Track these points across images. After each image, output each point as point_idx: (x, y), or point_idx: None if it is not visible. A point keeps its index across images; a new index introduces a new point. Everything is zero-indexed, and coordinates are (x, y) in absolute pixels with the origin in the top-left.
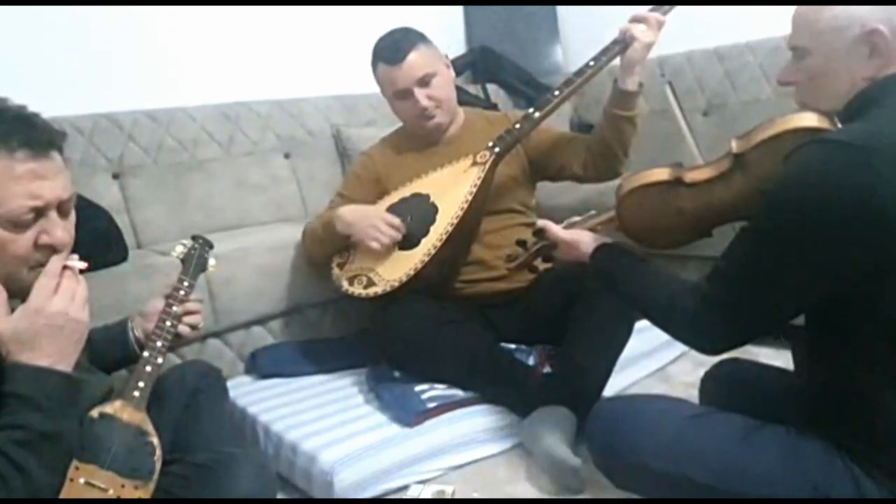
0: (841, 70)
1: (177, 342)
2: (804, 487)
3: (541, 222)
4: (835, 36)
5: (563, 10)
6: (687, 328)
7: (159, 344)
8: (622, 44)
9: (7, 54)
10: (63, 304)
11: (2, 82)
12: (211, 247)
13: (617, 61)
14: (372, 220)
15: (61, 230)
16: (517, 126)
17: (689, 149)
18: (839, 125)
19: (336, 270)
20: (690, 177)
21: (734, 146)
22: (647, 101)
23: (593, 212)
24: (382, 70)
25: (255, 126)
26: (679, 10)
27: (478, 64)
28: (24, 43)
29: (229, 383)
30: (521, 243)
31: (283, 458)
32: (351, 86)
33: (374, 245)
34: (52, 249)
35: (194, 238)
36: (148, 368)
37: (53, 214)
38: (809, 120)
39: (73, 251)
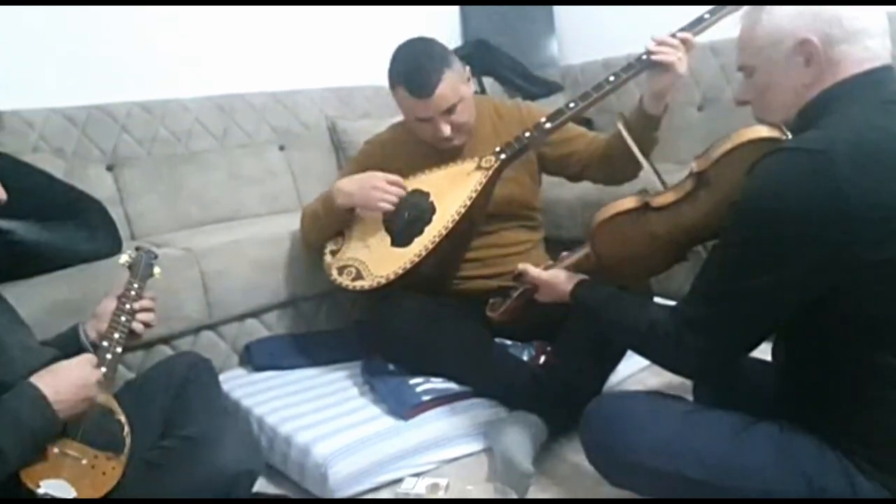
0: (783, 81)
1: (132, 338)
2: (798, 482)
3: (520, 266)
4: (772, 50)
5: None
6: (669, 353)
7: (116, 335)
8: (647, 64)
9: (1, 47)
10: (95, 386)
11: None
12: (155, 256)
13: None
14: (373, 182)
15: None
16: (527, 135)
17: (649, 178)
18: (788, 134)
19: (328, 258)
20: (658, 201)
21: (695, 166)
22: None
23: (565, 253)
24: (404, 97)
25: (249, 118)
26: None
27: (473, 57)
28: (18, 35)
29: (223, 376)
30: (503, 290)
31: (278, 450)
32: (346, 78)
33: (385, 206)
34: None
35: (138, 248)
36: (108, 356)
37: None
38: (761, 131)
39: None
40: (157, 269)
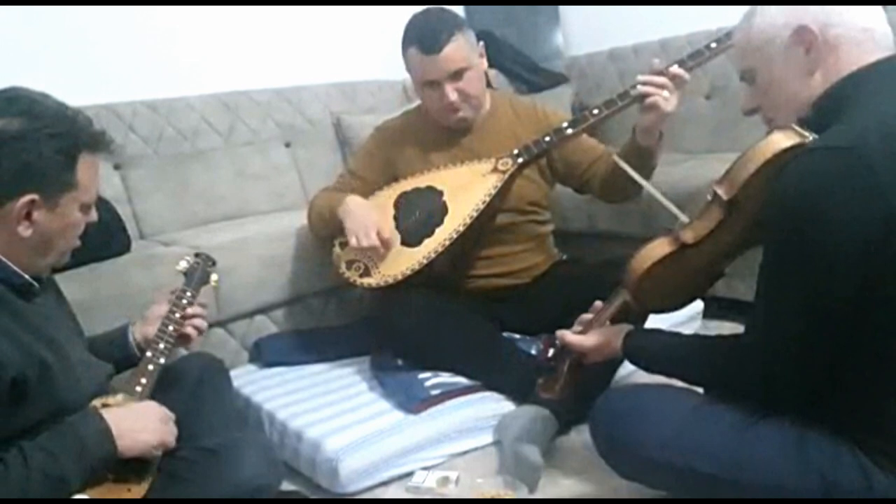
0: (786, 74)
1: (183, 342)
2: (811, 476)
3: (559, 335)
4: (770, 46)
5: None
6: (739, 387)
7: (161, 346)
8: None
9: (5, 46)
10: (160, 433)
11: (2, 75)
12: (213, 263)
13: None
14: (367, 222)
15: (94, 209)
16: (546, 139)
17: (660, 202)
18: (803, 131)
19: (337, 249)
20: (692, 237)
21: (722, 193)
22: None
23: (598, 304)
24: (414, 55)
25: (254, 115)
26: None
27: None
28: (22, 35)
29: (233, 372)
30: (549, 369)
31: (288, 445)
32: (350, 73)
33: (352, 241)
34: (90, 225)
35: (197, 255)
36: (150, 367)
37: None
38: (782, 141)
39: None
40: (214, 277)
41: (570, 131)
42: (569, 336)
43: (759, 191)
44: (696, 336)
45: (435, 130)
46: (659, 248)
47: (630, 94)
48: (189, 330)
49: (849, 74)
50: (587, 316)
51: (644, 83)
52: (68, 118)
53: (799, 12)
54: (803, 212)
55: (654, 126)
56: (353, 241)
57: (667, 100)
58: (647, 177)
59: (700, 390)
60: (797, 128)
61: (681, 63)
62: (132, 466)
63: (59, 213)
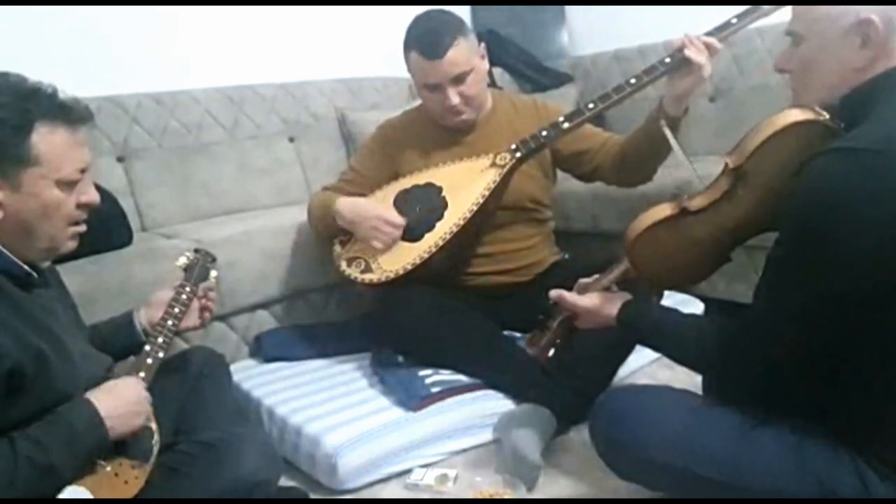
0: (832, 59)
1: (186, 328)
2: (808, 481)
3: (553, 294)
4: (829, 23)
5: None
6: (734, 373)
7: (160, 340)
8: (672, 66)
9: (10, 39)
10: (145, 403)
11: (6, 67)
12: (213, 259)
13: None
14: (372, 221)
15: (93, 189)
16: (543, 133)
17: (692, 178)
18: (824, 113)
19: (337, 248)
20: (695, 204)
21: (729, 162)
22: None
23: (597, 276)
24: (416, 60)
25: (259, 109)
26: None
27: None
28: (27, 26)
29: (234, 367)
30: (540, 322)
31: (288, 441)
32: (355, 69)
33: (378, 245)
34: (88, 207)
35: (196, 250)
36: (149, 361)
37: (88, 176)
38: (794, 115)
39: (83, 234)
40: (213, 273)
41: (566, 125)
42: (564, 294)
43: (769, 165)
44: (694, 315)
45: (436, 129)
46: (660, 211)
47: (657, 69)
48: (203, 314)
49: (883, 72)
50: (585, 280)
51: (688, 43)
52: (19, 91)
53: (875, 8)
54: (825, 210)
55: (689, 91)
56: (376, 245)
57: (708, 62)
58: (666, 154)
59: (700, 392)
60: (815, 108)
61: (708, 34)
62: (129, 457)
63: (29, 193)
